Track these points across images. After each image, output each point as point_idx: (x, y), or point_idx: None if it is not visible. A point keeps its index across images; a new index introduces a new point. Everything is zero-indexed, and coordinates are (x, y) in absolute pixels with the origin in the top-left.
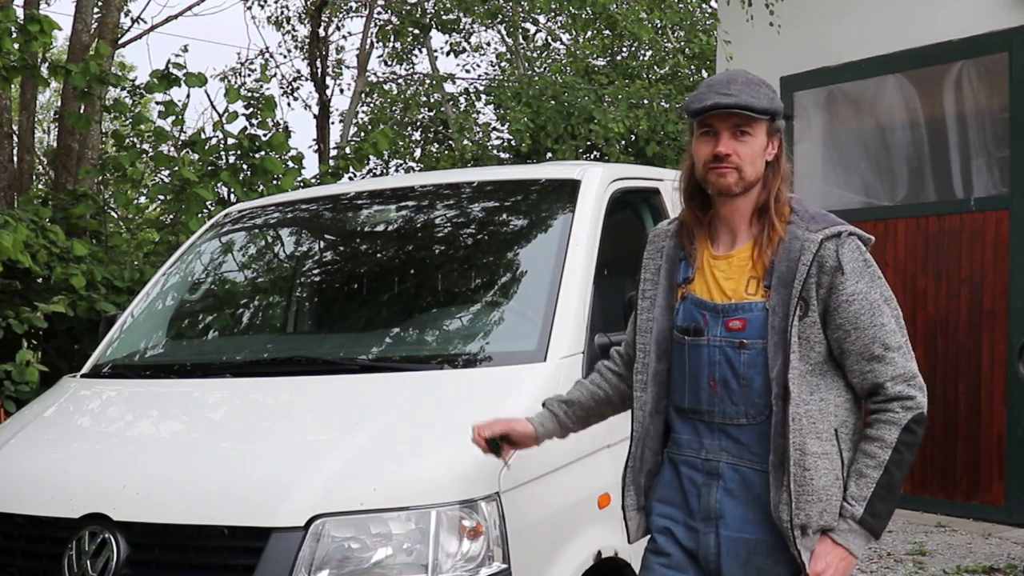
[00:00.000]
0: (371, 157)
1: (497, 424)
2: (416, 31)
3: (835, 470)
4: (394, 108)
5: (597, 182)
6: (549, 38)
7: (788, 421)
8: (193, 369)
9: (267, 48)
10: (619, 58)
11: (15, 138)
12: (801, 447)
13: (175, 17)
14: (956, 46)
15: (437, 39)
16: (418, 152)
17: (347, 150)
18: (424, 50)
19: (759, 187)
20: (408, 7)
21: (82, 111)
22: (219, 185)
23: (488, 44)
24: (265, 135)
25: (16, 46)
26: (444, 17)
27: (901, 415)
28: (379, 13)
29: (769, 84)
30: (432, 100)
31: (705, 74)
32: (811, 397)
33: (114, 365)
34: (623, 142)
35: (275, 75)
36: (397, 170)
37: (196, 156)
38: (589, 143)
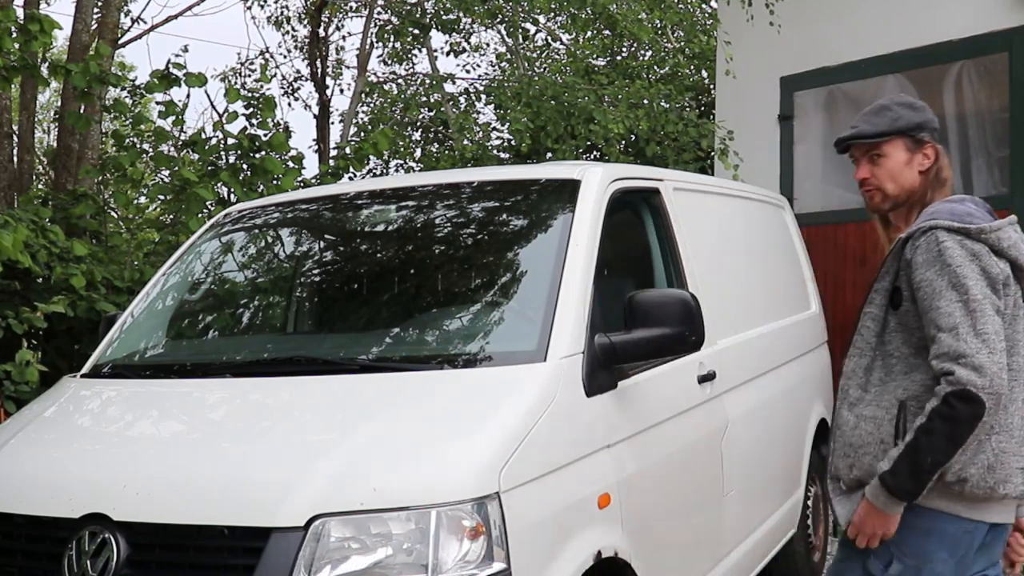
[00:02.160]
0: (371, 157)
1: None
2: (416, 31)
3: (876, 433)
4: (394, 108)
5: (597, 182)
6: (549, 38)
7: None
8: (193, 369)
9: (267, 48)
10: (619, 58)
11: (15, 138)
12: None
13: (175, 17)
14: (956, 46)
15: (437, 39)
16: (418, 152)
17: (347, 150)
18: (424, 50)
19: (922, 197)
20: (408, 7)
21: (82, 111)
22: (219, 185)
23: (488, 44)
24: (265, 135)
25: (16, 46)
26: (444, 17)
27: (942, 387)
28: (379, 13)
29: (904, 103)
30: (432, 100)
31: (705, 74)
32: (905, 377)
33: (114, 365)
34: (623, 142)
35: (275, 75)
36: (397, 170)
37: (196, 156)
38: (589, 143)
